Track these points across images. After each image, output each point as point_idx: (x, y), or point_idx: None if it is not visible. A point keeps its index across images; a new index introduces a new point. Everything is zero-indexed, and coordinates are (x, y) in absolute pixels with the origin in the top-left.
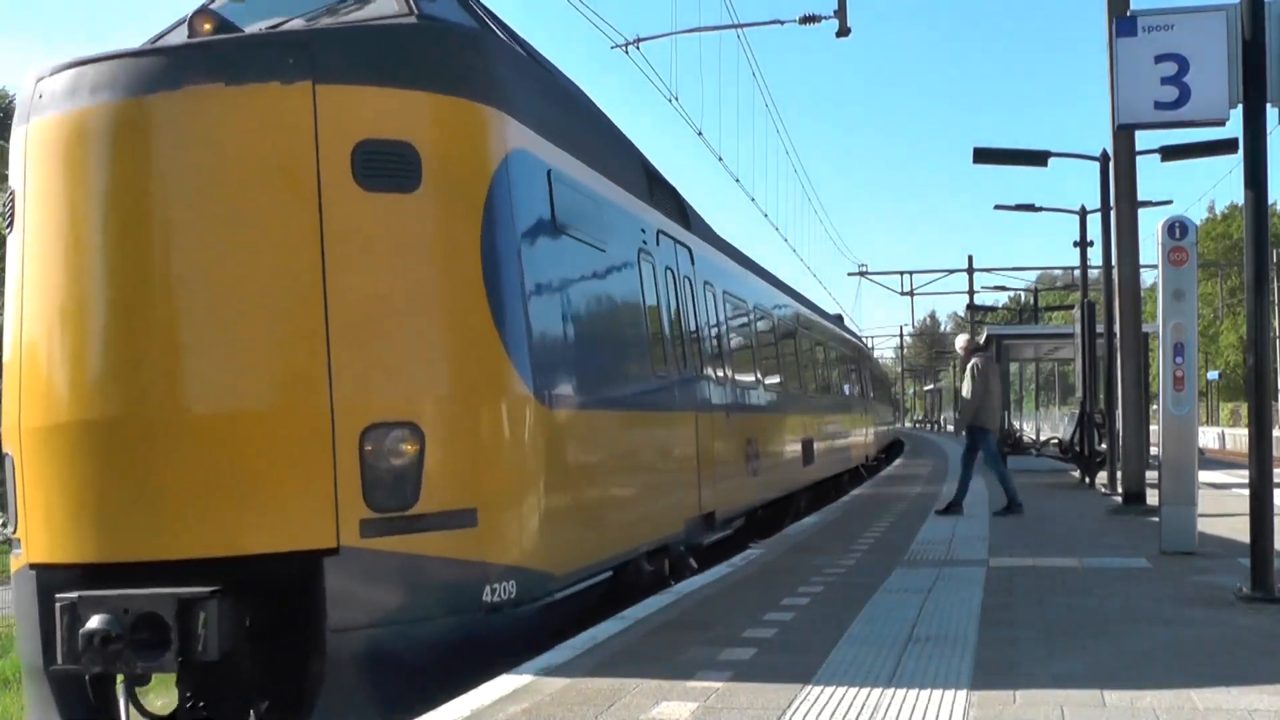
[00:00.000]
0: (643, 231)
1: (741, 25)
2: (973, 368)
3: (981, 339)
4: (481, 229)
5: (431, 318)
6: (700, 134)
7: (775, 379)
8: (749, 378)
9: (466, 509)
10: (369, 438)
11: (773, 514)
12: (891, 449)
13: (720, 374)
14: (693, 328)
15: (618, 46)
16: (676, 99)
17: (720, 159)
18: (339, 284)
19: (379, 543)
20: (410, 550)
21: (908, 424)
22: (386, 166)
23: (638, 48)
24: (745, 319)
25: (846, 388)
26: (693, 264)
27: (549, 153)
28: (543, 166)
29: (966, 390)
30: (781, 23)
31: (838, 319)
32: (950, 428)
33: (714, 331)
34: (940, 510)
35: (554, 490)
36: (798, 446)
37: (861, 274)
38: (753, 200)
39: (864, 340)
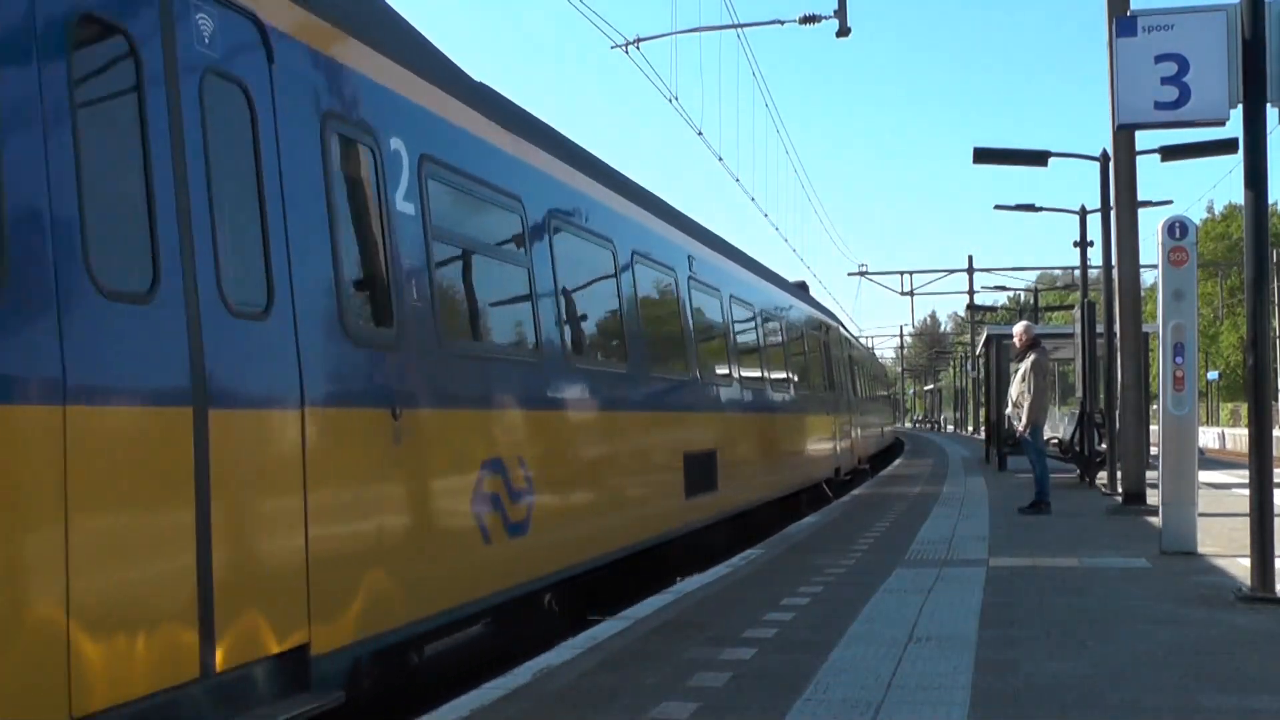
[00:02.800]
0: None
1: (741, 25)
2: (1035, 363)
3: (981, 339)
4: None
5: None
6: (700, 134)
7: (618, 356)
8: (525, 346)
9: None
10: None
11: (612, 583)
12: (885, 454)
13: (406, 333)
14: (289, 218)
15: (618, 46)
16: (676, 99)
17: (720, 159)
18: None
19: None
20: None
21: (908, 424)
22: None
23: (638, 48)
24: (543, 246)
25: (802, 376)
26: (338, 94)
27: None
28: None
29: (1028, 386)
30: (781, 23)
31: (799, 287)
32: (950, 428)
33: (398, 246)
34: (1024, 508)
35: None
36: (676, 464)
37: (861, 274)
38: (753, 200)
39: (839, 320)
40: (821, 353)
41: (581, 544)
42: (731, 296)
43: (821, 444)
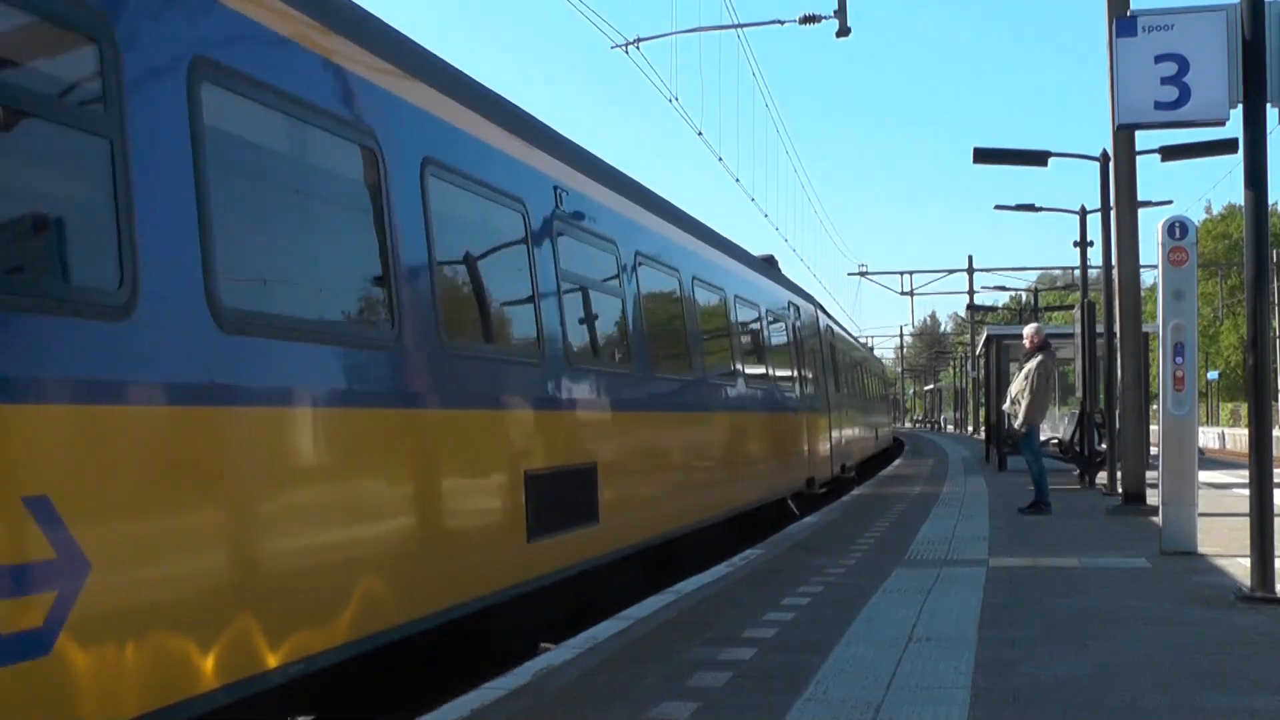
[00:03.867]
0: None
1: (741, 25)
2: (1040, 364)
3: (981, 339)
4: None
5: None
6: (700, 134)
7: (422, 328)
8: (157, 299)
9: None
10: None
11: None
12: (883, 457)
13: None
14: None
15: (618, 46)
16: (676, 99)
17: (720, 159)
18: None
19: None
20: None
21: (908, 424)
22: None
23: (638, 48)
24: (187, 134)
25: (757, 366)
26: None
27: None
28: None
29: (1031, 386)
30: (781, 23)
31: (766, 261)
32: (950, 428)
33: None
34: (1024, 509)
35: None
36: (510, 489)
37: (861, 274)
38: (753, 200)
39: (817, 303)
40: (791, 339)
41: (246, 645)
42: (639, 254)
43: (786, 450)
